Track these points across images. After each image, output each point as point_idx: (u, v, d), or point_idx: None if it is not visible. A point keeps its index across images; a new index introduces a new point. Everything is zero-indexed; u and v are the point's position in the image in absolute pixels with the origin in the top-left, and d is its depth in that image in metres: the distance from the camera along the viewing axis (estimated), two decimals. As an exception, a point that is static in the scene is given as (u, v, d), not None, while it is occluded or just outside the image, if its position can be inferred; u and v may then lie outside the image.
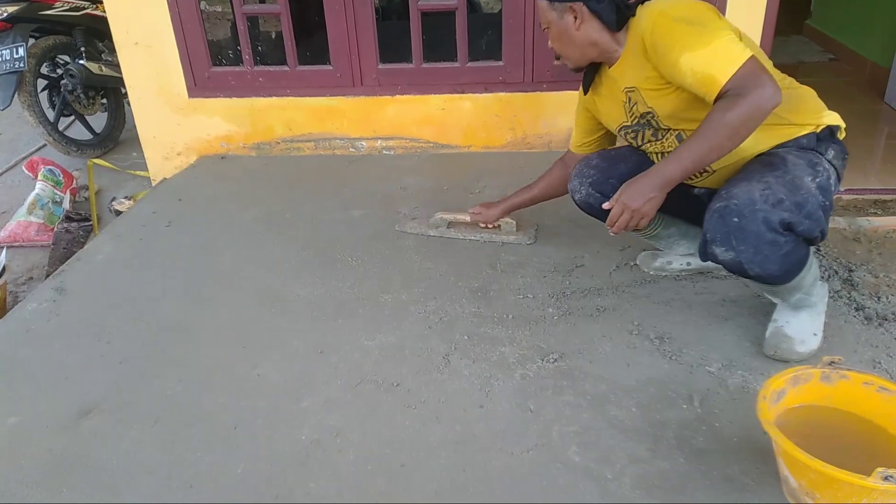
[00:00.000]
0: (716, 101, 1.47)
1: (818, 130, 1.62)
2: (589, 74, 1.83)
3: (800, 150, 1.59)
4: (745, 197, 1.46)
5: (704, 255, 1.59)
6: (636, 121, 1.76)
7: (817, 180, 1.51)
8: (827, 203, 1.53)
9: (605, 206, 1.62)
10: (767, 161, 1.57)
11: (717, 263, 1.59)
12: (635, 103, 1.72)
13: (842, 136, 1.66)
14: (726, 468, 1.38)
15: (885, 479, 1.10)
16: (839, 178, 1.63)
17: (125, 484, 1.43)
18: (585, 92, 1.88)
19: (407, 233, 2.43)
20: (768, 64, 1.63)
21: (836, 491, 1.19)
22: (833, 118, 1.64)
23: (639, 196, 1.56)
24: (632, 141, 1.83)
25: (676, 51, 1.49)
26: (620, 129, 1.83)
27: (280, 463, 1.46)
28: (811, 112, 1.64)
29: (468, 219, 2.35)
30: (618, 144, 1.97)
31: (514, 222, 2.33)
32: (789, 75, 1.68)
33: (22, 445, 1.55)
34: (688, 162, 1.50)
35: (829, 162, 1.59)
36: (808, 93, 1.68)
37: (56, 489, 1.42)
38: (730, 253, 1.52)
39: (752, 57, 1.43)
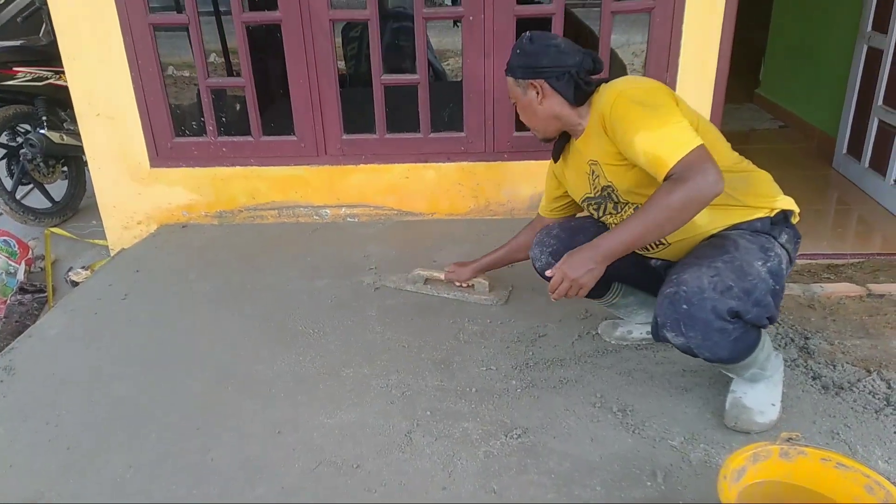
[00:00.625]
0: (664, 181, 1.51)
1: (772, 214, 1.66)
2: (559, 144, 1.89)
3: (753, 233, 1.62)
4: (695, 284, 1.48)
5: (657, 336, 1.62)
6: (598, 193, 1.80)
7: (768, 265, 1.54)
8: (777, 287, 1.55)
9: (548, 273, 1.63)
10: (720, 244, 1.59)
11: (668, 343, 1.60)
12: (598, 176, 1.77)
13: (795, 220, 1.70)
14: (691, 550, 1.36)
15: (847, 562, 1.10)
16: (791, 261, 1.66)
17: (65, 584, 1.35)
18: (555, 160, 1.94)
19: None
20: (725, 146, 1.69)
21: (799, 574, 1.18)
22: (787, 203, 1.69)
23: (578, 266, 1.56)
24: (594, 212, 1.87)
25: (631, 131, 1.54)
26: (584, 199, 1.88)
27: (232, 557, 1.40)
28: (766, 196, 1.68)
29: (443, 277, 2.42)
30: (581, 214, 2.01)
31: (488, 283, 2.39)
32: (741, 142, 1.73)
33: (-45, 544, 1.46)
34: (627, 238, 1.52)
35: (783, 246, 1.62)
36: (764, 176, 1.73)
37: (-11, 593, 1.34)
38: (680, 338, 1.55)
39: (701, 145, 1.48)
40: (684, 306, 1.49)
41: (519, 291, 2.42)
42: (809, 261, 2.78)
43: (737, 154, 1.71)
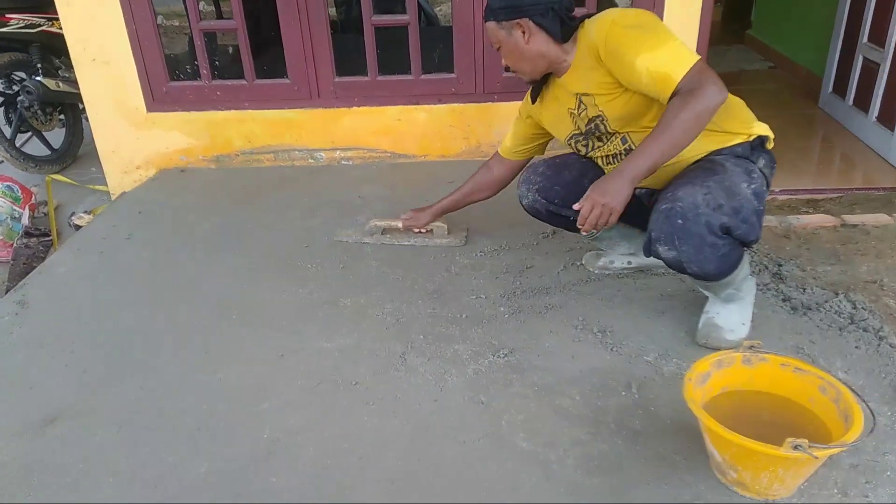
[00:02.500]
0: (669, 98, 1.58)
1: (751, 139, 1.74)
2: (537, 85, 1.94)
3: (735, 158, 1.71)
4: (690, 200, 1.58)
5: (648, 251, 1.71)
6: (585, 126, 1.87)
7: (752, 187, 1.63)
8: (761, 208, 1.65)
9: (576, 206, 1.65)
10: (708, 167, 1.68)
11: (659, 259, 1.70)
12: (585, 108, 1.83)
13: (770, 145, 1.78)
14: (660, 447, 1.49)
15: (795, 447, 1.22)
16: (768, 185, 1.75)
17: (91, 486, 1.48)
18: (533, 101, 1.99)
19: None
20: None
21: (754, 462, 1.31)
22: (762, 128, 1.77)
23: (609, 191, 1.60)
24: (581, 149, 1.94)
25: (632, 53, 1.61)
26: (570, 137, 1.94)
27: (242, 461, 1.52)
28: (743, 121, 1.76)
29: (401, 225, 2.43)
30: (564, 152, 2.08)
31: (446, 226, 2.43)
32: (731, 83, 1.79)
33: (-13, 453, 1.58)
34: (651, 158, 1.56)
35: (760, 170, 1.71)
36: (739, 102, 1.80)
37: (23, 494, 1.46)
38: (672, 252, 1.64)
39: (701, 58, 1.57)
40: (679, 221, 1.58)
41: (504, 228, 2.51)
42: (790, 196, 2.87)
43: None
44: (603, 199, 1.60)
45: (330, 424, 1.62)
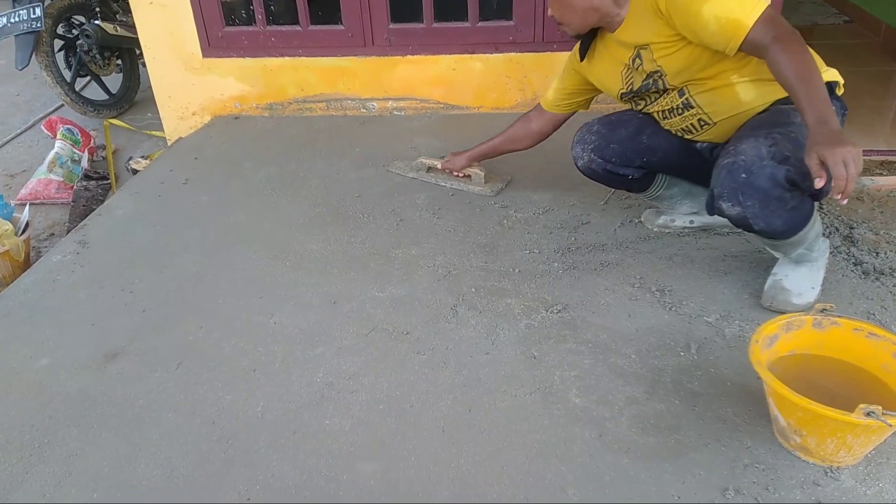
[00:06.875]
0: (741, 46, 1.50)
1: None
2: (585, 41, 1.86)
3: None
4: (753, 153, 1.49)
5: (711, 209, 1.63)
6: (641, 82, 1.79)
7: None
8: None
9: (819, 182, 1.34)
10: (774, 118, 1.59)
11: (723, 217, 1.62)
12: (642, 62, 1.75)
13: (840, 91, 1.68)
14: (720, 410, 1.45)
15: (868, 414, 1.17)
16: None
17: (151, 420, 1.52)
18: (581, 58, 1.91)
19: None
20: None
21: (821, 428, 1.26)
22: (831, 74, 1.67)
23: (838, 137, 1.33)
24: (636, 104, 1.87)
25: (698, 2, 1.52)
26: (623, 94, 1.86)
27: (297, 402, 1.55)
28: None
29: (439, 165, 2.48)
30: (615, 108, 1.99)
31: (483, 173, 2.41)
32: (804, 38, 1.69)
33: (53, 385, 1.64)
34: (826, 101, 1.39)
35: None
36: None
37: (86, 424, 1.52)
38: (736, 208, 1.56)
39: (770, 4, 1.48)
40: (743, 175, 1.50)
41: (562, 184, 2.44)
42: (863, 157, 2.71)
43: None
44: (844, 147, 1.30)
45: (382, 372, 1.63)
